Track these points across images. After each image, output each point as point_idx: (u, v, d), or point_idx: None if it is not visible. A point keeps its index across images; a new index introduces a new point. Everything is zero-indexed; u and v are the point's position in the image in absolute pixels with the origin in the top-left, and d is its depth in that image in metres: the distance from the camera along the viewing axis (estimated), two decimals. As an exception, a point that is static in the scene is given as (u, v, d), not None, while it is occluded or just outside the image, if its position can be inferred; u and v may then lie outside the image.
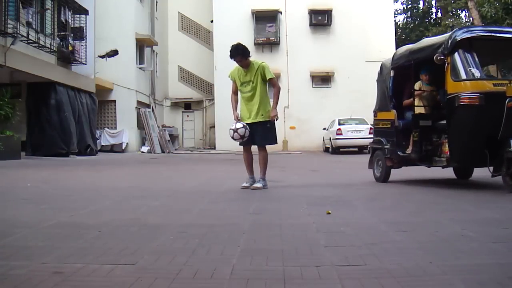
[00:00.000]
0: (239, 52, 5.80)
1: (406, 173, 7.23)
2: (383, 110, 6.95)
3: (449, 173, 6.78)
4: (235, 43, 5.98)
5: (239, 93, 6.04)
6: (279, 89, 6.11)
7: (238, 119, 5.88)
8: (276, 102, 6.00)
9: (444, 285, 2.08)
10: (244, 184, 5.99)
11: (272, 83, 6.00)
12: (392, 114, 6.59)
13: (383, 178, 6.69)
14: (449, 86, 5.45)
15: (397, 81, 6.66)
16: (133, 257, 2.55)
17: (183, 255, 2.59)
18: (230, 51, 5.85)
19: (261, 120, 5.90)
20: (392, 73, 6.71)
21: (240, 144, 6.11)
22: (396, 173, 6.96)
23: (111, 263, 2.43)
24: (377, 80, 7.42)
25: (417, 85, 6.51)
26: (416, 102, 6.43)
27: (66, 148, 16.13)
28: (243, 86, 5.95)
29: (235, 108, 6.02)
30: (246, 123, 5.85)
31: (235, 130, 5.76)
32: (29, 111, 15.94)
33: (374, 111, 7.27)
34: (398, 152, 6.33)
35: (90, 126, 18.42)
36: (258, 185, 5.92)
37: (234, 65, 6.09)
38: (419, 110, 6.40)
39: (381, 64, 7.21)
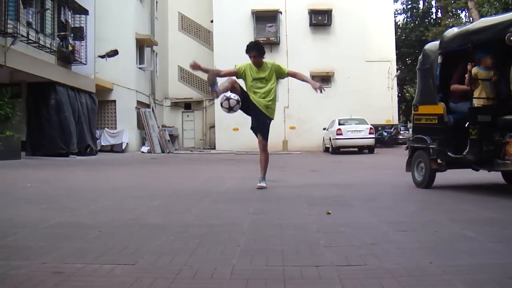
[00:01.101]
0: (256, 48, 5.96)
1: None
2: (427, 103, 5.99)
3: (448, 173, 6.74)
4: (253, 41, 6.23)
5: (246, 86, 6.08)
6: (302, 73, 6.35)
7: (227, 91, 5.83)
8: (307, 78, 6.29)
9: (444, 285, 2.08)
10: (263, 184, 6.00)
11: (292, 73, 6.21)
12: (439, 108, 5.65)
13: (427, 182, 5.79)
14: None
15: (445, 69, 5.74)
16: (133, 257, 2.55)
17: (183, 255, 2.59)
18: (248, 45, 6.00)
19: (267, 114, 5.98)
20: (440, 59, 5.73)
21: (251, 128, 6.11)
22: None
23: (111, 263, 2.43)
24: (418, 69, 6.45)
25: (474, 72, 5.44)
26: (476, 93, 5.45)
27: (66, 148, 16.13)
28: (256, 82, 5.99)
29: (217, 75, 6.05)
30: (255, 99, 5.90)
31: (228, 98, 5.70)
32: (29, 111, 15.94)
33: (414, 105, 6.33)
34: (448, 153, 5.45)
35: (90, 126, 18.42)
36: (264, 184, 5.98)
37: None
38: (479, 102, 5.45)
39: (424, 50, 6.28)
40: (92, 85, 18.96)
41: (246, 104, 5.87)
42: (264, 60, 6.04)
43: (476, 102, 5.40)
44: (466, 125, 5.18)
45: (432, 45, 6.11)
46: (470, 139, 5.16)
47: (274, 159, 15.01)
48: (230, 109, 5.77)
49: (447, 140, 5.52)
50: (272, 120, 6.07)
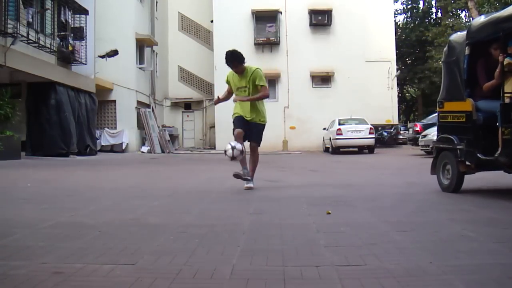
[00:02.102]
0: (235, 58, 5.82)
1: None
2: (454, 99, 5.48)
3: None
4: (230, 50, 5.98)
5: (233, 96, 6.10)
6: (264, 96, 5.99)
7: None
8: (252, 98, 5.91)
9: (444, 285, 2.08)
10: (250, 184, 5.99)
11: (261, 90, 5.95)
12: (468, 104, 5.13)
13: (454, 186, 5.29)
14: None
15: (473, 61, 5.25)
16: (133, 257, 2.55)
17: (183, 255, 2.59)
18: (226, 57, 5.85)
19: (259, 122, 6.02)
20: (467, 51, 5.23)
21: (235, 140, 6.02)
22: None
23: (111, 263, 2.43)
24: (443, 62, 5.93)
25: (506, 63, 4.90)
26: (509, 87, 4.89)
27: (66, 148, 16.13)
28: (239, 91, 5.99)
29: (223, 96, 6.19)
30: (244, 115, 5.92)
31: (233, 148, 5.67)
32: (29, 111, 15.94)
33: (439, 101, 5.80)
34: (478, 155, 4.96)
35: (90, 126, 18.42)
36: (252, 185, 5.95)
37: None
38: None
39: (449, 41, 5.76)
40: (92, 85, 18.96)
41: (246, 124, 5.91)
42: (246, 65, 5.93)
43: (509, 97, 4.85)
44: (498, 124, 4.71)
45: (458, 36, 5.62)
46: (502, 139, 4.69)
47: (274, 159, 15.02)
48: (232, 158, 5.74)
49: (476, 140, 5.03)
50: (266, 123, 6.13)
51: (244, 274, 2.24)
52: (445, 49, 5.88)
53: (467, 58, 5.24)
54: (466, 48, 5.25)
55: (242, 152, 5.67)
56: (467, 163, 5.17)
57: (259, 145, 6.05)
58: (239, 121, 5.91)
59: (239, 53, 5.88)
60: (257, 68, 5.95)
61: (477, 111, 5.06)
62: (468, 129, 5.14)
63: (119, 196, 5.43)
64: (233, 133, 5.92)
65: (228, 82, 6.09)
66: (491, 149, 4.81)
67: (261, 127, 6.03)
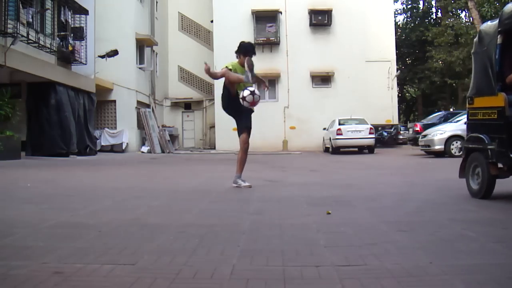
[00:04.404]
0: (254, 51, 6.05)
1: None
2: (484, 94, 4.95)
3: (448, 172, 6.74)
4: (247, 41, 6.23)
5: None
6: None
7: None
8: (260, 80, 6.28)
9: (444, 285, 2.08)
10: (247, 183, 5.99)
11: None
12: (499, 99, 4.61)
13: (484, 192, 4.71)
14: None
15: (507, 51, 4.78)
16: (133, 257, 2.55)
17: (183, 255, 2.59)
18: (250, 48, 6.02)
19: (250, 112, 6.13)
20: (500, 39, 4.73)
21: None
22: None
23: (111, 263, 2.43)
24: (473, 53, 5.34)
25: None
26: None
27: (66, 148, 16.13)
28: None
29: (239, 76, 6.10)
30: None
31: (253, 93, 5.79)
32: (29, 111, 15.94)
33: (469, 97, 5.30)
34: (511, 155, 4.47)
35: (88, 126, 18.42)
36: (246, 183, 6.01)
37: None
38: None
39: (480, 31, 5.24)
40: (92, 85, 18.96)
41: (236, 105, 5.92)
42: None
43: None
44: None
45: (489, 24, 5.12)
46: None
47: (274, 159, 15.02)
48: (252, 103, 5.87)
49: (509, 139, 4.51)
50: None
51: (244, 274, 2.24)
52: (475, 39, 5.37)
53: (499, 47, 4.72)
54: (498, 36, 4.74)
55: (259, 95, 5.81)
56: (499, 165, 4.67)
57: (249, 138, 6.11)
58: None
59: None
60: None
61: (510, 107, 4.53)
62: (500, 127, 4.60)
63: (119, 196, 5.43)
64: (230, 111, 5.97)
65: (234, 69, 6.06)
66: None
67: (251, 112, 6.12)
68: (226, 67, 6.02)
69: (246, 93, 5.78)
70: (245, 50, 6.00)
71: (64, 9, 17.06)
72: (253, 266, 2.40)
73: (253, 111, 6.18)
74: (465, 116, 15.57)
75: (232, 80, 5.94)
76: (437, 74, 31.80)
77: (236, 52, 6.10)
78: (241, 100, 5.81)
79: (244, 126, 6.06)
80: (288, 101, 24.36)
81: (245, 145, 6.04)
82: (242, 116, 6.06)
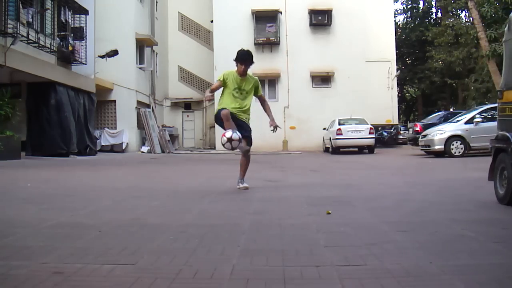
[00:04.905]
0: (251, 59, 5.95)
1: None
2: None
3: (448, 172, 6.74)
4: (246, 49, 6.07)
5: (226, 92, 6.03)
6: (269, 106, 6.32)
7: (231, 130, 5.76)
8: (270, 113, 6.22)
9: (444, 285, 2.08)
10: (246, 184, 5.97)
11: (262, 99, 6.26)
12: None
13: (509, 197, 4.22)
14: None
15: None
16: (133, 257, 2.55)
17: (183, 255, 2.59)
18: (245, 56, 5.90)
19: (248, 123, 6.05)
20: None
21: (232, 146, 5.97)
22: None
23: (111, 263, 2.43)
24: (504, 41, 4.81)
25: None
26: None
27: (66, 148, 16.13)
28: (236, 91, 5.97)
29: (210, 92, 6.16)
30: (235, 112, 5.89)
31: (230, 140, 5.63)
32: (29, 111, 15.94)
33: (499, 91, 4.77)
34: None
35: (88, 126, 18.42)
36: (247, 184, 5.97)
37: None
38: None
39: (510, 18, 4.64)
40: (92, 85, 18.96)
41: (234, 122, 5.85)
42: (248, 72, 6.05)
43: None
44: None
45: None
46: None
47: (274, 159, 15.02)
48: (233, 149, 5.79)
49: None
50: None
51: (244, 274, 2.24)
52: (505, 27, 4.84)
53: None
54: None
55: (240, 139, 5.64)
56: None
57: (251, 145, 6.06)
58: (227, 113, 5.86)
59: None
60: (257, 78, 6.19)
61: None
62: None
63: (119, 196, 5.43)
64: (222, 122, 5.83)
65: (225, 80, 5.98)
66: None
67: (249, 128, 6.06)
68: (219, 79, 6.03)
69: (223, 140, 5.64)
70: (242, 59, 5.90)
71: (64, 9, 17.06)
72: (253, 266, 2.40)
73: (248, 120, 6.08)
74: (465, 116, 15.65)
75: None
76: (437, 74, 31.81)
77: (234, 60, 5.98)
78: (224, 139, 5.66)
79: (248, 141, 5.97)
80: (288, 101, 24.35)
81: (247, 153, 6.02)
82: (247, 132, 5.96)
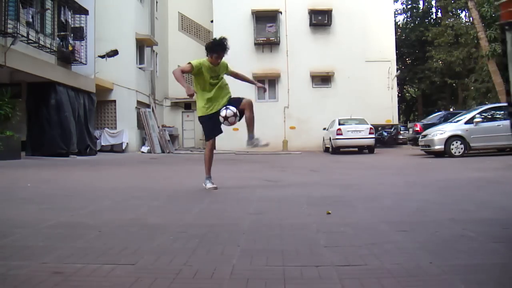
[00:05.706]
0: (226, 48, 5.97)
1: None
2: None
3: (448, 172, 6.74)
4: (221, 37, 6.09)
5: (200, 83, 6.08)
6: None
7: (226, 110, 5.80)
8: (248, 78, 6.46)
9: (444, 285, 2.08)
10: (213, 185, 5.95)
11: (234, 74, 6.30)
12: None
13: None
14: None
15: None
16: (133, 257, 2.55)
17: (183, 255, 2.59)
18: (222, 45, 5.91)
19: (230, 97, 6.07)
20: None
21: (208, 138, 6.04)
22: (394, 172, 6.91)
23: (111, 263, 2.43)
24: None
25: None
26: None
27: (66, 148, 16.14)
28: (214, 78, 6.01)
29: (184, 82, 5.99)
30: (216, 103, 5.94)
31: (226, 118, 5.72)
32: (29, 111, 15.95)
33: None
34: None
35: (88, 126, 18.43)
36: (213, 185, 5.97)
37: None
38: None
39: None
40: (92, 85, 18.97)
41: (216, 120, 5.84)
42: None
43: None
44: None
45: None
46: None
47: (274, 159, 15.02)
48: (231, 124, 5.85)
49: None
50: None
51: (244, 274, 2.24)
52: None
53: None
54: None
55: (235, 114, 5.69)
56: None
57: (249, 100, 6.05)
58: (216, 124, 5.86)
59: None
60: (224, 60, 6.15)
61: None
62: None
63: (119, 196, 5.43)
64: (207, 140, 5.93)
65: (199, 69, 5.94)
66: None
67: (237, 97, 6.07)
68: (192, 65, 5.92)
69: (229, 113, 5.68)
70: (221, 49, 5.91)
71: (64, 9, 17.07)
72: (253, 266, 2.40)
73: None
74: (465, 116, 15.63)
75: (176, 77, 5.83)
76: (437, 74, 31.83)
77: (210, 51, 6.02)
78: (221, 119, 5.70)
79: (237, 103, 5.95)
80: (288, 101, 24.37)
81: (211, 146, 6.07)
82: (232, 101, 5.97)
